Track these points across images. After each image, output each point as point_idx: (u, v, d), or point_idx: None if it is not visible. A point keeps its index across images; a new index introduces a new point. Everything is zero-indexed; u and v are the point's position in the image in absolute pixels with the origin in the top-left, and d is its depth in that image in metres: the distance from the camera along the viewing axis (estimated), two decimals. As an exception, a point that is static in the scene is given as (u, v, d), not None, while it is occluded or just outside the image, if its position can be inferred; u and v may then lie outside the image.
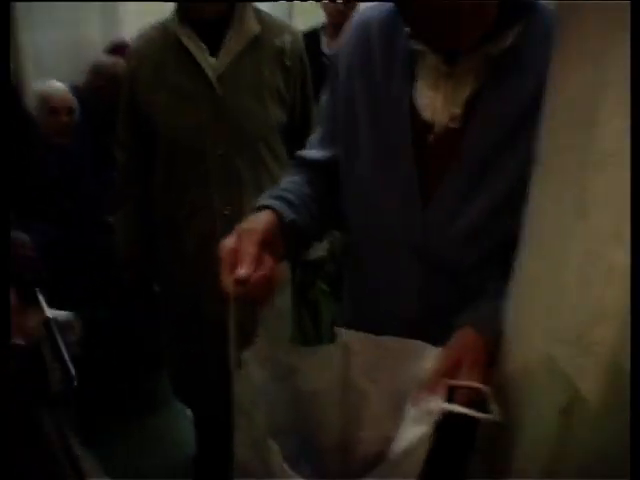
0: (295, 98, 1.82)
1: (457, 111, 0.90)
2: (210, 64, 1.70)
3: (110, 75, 2.88)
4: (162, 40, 1.75)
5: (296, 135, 1.79)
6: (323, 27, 2.92)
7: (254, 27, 1.74)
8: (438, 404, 0.73)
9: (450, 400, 0.74)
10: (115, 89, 2.68)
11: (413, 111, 0.94)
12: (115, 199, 1.99)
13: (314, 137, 1.16)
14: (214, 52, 1.71)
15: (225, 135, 1.71)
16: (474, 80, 0.89)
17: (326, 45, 2.87)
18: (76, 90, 2.90)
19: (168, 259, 1.91)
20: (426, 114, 0.93)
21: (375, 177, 0.99)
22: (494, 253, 0.90)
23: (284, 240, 0.94)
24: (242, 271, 0.82)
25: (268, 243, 0.89)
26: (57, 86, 2.68)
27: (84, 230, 2.58)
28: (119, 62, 2.91)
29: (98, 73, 2.94)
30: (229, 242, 0.87)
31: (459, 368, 0.77)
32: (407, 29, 0.92)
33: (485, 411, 0.72)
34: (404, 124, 0.94)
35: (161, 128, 1.75)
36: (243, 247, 0.86)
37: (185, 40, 1.70)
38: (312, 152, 1.14)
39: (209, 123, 1.70)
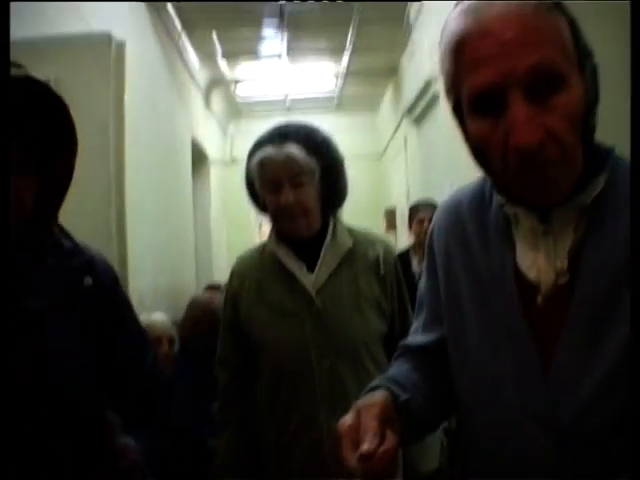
0: (393, 308, 1.84)
1: (562, 266, 0.88)
2: (308, 279, 1.77)
3: (206, 308, 3.05)
4: (261, 260, 1.86)
5: (396, 345, 1.77)
6: (412, 247, 3.04)
7: (347, 241, 1.82)
8: None
9: None
10: (211, 321, 2.82)
11: (517, 276, 0.92)
12: (218, 422, 1.96)
13: (415, 325, 1.14)
14: (311, 268, 1.79)
15: (329, 348, 1.73)
16: (573, 232, 0.88)
17: (416, 265, 2.96)
18: (174, 325, 3.05)
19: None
20: (531, 275, 0.91)
21: (487, 351, 0.95)
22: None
23: (400, 421, 0.89)
24: (366, 446, 0.78)
25: (387, 419, 0.85)
26: (160, 317, 2.84)
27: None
28: (215, 297, 3.10)
29: (195, 307, 3.11)
30: (348, 418, 0.84)
31: None
32: (498, 198, 0.94)
33: None
34: (510, 290, 0.92)
35: (264, 345, 1.78)
36: (364, 422, 0.82)
37: (283, 258, 1.79)
38: (416, 338, 1.11)
39: (312, 337, 1.73)
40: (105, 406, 1.14)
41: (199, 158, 6.88)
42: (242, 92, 7.63)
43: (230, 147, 8.47)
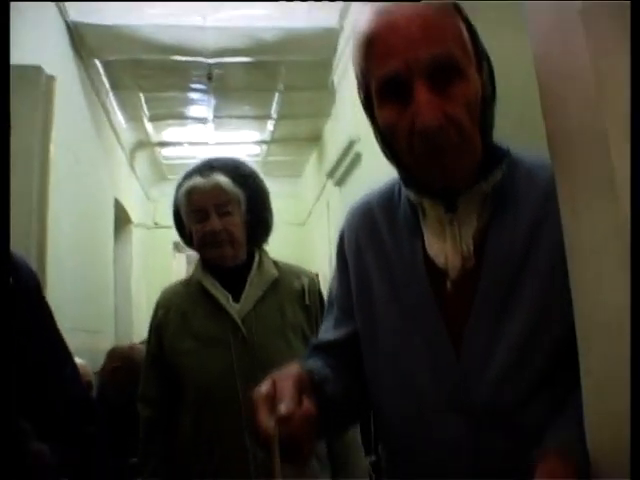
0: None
1: (467, 251, 0.94)
2: (234, 308, 1.78)
3: (126, 357, 2.97)
4: (187, 291, 1.87)
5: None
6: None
7: (273, 272, 1.86)
8: None
9: None
10: (131, 371, 2.76)
11: (427, 264, 0.97)
12: (139, 459, 1.90)
13: (324, 325, 1.16)
14: (237, 298, 1.81)
15: (254, 375, 1.69)
16: (477, 220, 0.95)
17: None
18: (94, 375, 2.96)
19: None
20: (439, 261, 0.96)
21: (400, 342, 0.98)
22: (544, 380, 0.88)
23: (317, 400, 0.89)
24: (284, 407, 0.78)
25: (304, 390, 0.85)
26: (79, 361, 2.72)
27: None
28: (136, 346, 3.03)
29: (114, 356, 3.03)
30: (264, 387, 0.84)
31: None
32: (407, 193, 1.01)
33: None
34: (421, 278, 0.97)
35: (189, 374, 1.76)
36: (280, 390, 0.82)
37: (209, 287, 1.81)
38: (326, 335, 1.13)
39: (237, 364, 1.73)
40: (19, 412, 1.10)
41: (122, 220, 6.80)
42: (167, 155, 7.65)
43: (153, 211, 8.42)
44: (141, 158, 7.40)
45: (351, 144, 4.50)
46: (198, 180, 1.82)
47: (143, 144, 7.05)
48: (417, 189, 0.98)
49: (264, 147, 7.46)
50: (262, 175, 1.95)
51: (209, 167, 1.85)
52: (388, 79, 0.88)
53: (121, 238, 6.89)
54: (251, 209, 1.87)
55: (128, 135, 6.64)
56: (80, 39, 4.44)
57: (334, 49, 4.90)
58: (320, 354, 1.10)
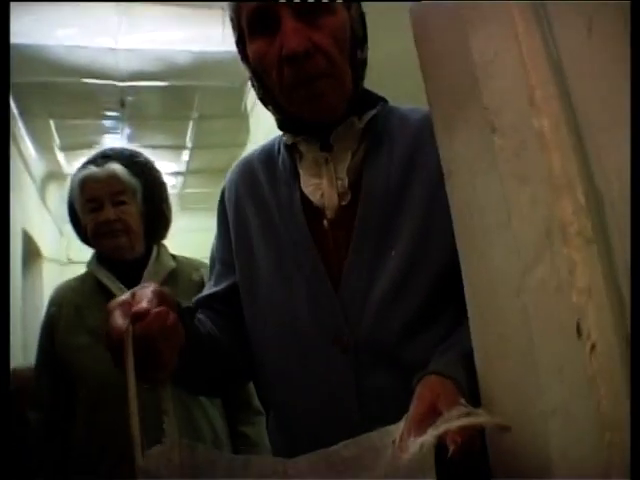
0: None
1: (342, 186, 0.96)
2: None
3: (26, 378, 2.83)
4: (82, 286, 1.80)
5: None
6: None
7: (170, 263, 1.82)
8: (430, 434, 0.59)
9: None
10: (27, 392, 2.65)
11: (304, 205, 0.98)
12: (32, 468, 1.78)
13: (208, 284, 1.13)
14: None
15: None
16: (351, 157, 0.98)
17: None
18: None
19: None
20: (316, 200, 0.97)
21: (280, 285, 0.98)
22: (426, 316, 0.89)
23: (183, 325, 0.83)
24: (140, 305, 0.73)
25: (167, 302, 0.78)
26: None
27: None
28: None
29: (14, 378, 2.87)
30: (120, 297, 0.78)
31: (436, 412, 0.64)
32: (284, 139, 1.03)
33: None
34: (298, 217, 0.98)
35: (82, 372, 1.68)
36: (138, 296, 0.76)
37: (104, 280, 1.74)
38: (207, 291, 1.11)
39: None
40: None
41: (32, 255, 6.56)
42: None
43: (67, 247, 8.16)
44: (53, 190, 7.20)
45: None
46: (92, 169, 1.77)
47: (54, 175, 6.88)
48: (292, 130, 1.00)
49: (180, 179, 7.41)
50: (158, 167, 1.94)
51: (103, 156, 1.81)
52: (257, 12, 0.90)
53: (30, 272, 6.63)
54: (147, 199, 1.82)
55: (38, 165, 6.47)
56: (-15, 59, 4.34)
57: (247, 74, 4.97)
58: (201, 309, 1.06)
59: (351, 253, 0.93)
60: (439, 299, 0.88)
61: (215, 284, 1.09)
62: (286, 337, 0.97)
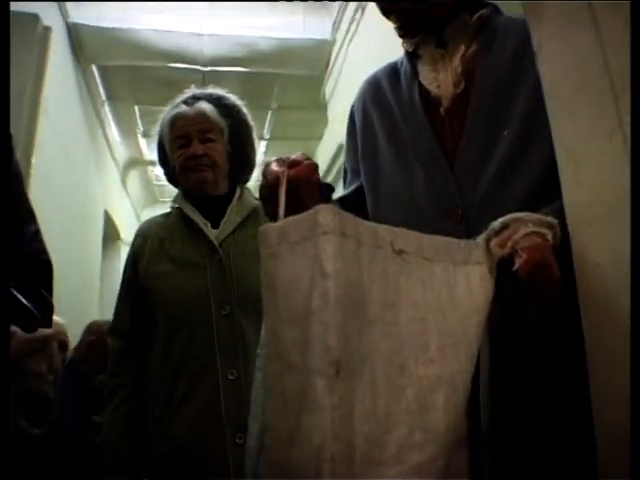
0: None
1: (456, 76, 1.03)
2: (212, 233, 1.78)
3: (103, 332, 2.93)
4: (166, 220, 1.88)
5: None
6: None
7: (254, 201, 1.86)
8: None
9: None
10: (105, 347, 2.75)
11: (422, 97, 1.06)
12: (106, 391, 1.86)
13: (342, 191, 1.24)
14: (216, 226, 1.81)
15: (229, 296, 1.71)
16: (465, 51, 1.04)
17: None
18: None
19: (160, 449, 1.70)
20: (433, 89, 1.05)
21: (402, 172, 1.06)
22: (534, 194, 0.93)
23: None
24: (296, 156, 0.91)
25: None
26: (56, 320, 2.70)
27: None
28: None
29: (91, 329, 3.00)
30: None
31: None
32: (405, 47, 1.10)
33: None
34: (417, 109, 1.06)
35: (163, 297, 1.74)
36: (292, 157, 0.92)
37: (189, 212, 1.81)
38: (339, 195, 1.21)
39: (212, 285, 1.71)
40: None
41: (111, 235, 6.81)
42: (160, 175, 7.67)
43: (143, 233, 8.42)
44: (134, 176, 7.46)
45: (341, 148, 4.57)
46: (182, 108, 1.85)
47: (136, 161, 7.11)
48: (408, 29, 1.08)
49: (256, 171, 7.50)
50: (246, 110, 1.98)
51: (194, 97, 1.89)
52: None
53: (109, 254, 6.87)
54: (233, 140, 1.88)
55: (121, 150, 6.71)
56: (79, 42, 4.54)
57: (327, 62, 5.03)
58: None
59: (465, 135, 1.00)
60: (547, 178, 0.90)
61: (345, 190, 1.22)
62: (407, 221, 1.02)
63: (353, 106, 1.24)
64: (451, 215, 0.98)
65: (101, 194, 5.99)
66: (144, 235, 1.86)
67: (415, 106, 1.07)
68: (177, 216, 1.85)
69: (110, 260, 6.90)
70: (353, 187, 1.19)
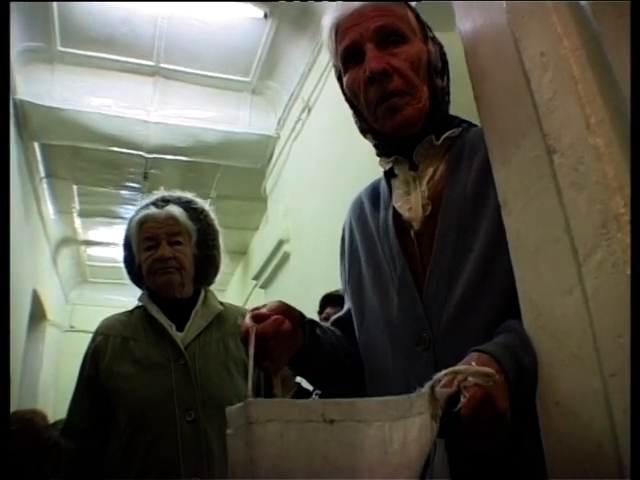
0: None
1: (424, 199, 1.08)
2: (178, 336, 1.77)
3: (26, 419, 2.83)
4: (129, 319, 1.85)
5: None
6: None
7: (218, 306, 1.88)
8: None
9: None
10: (29, 432, 2.68)
11: (396, 221, 1.11)
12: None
13: None
14: (181, 328, 1.80)
15: (194, 401, 1.69)
16: (433, 173, 1.10)
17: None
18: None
19: None
20: (405, 212, 1.09)
21: (379, 295, 1.10)
22: (502, 313, 0.95)
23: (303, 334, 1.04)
24: (262, 311, 0.97)
25: (290, 315, 0.99)
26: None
27: None
28: (37, 410, 2.94)
29: (12, 419, 2.87)
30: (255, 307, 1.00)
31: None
32: (384, 167, 1.16)
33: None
34: (390, 233, 1.10)
35: (125, 398, 1.70)
36: (268, 304, 0.99)
37: (154, 313, 1.80)
38: (336, 315, 1.27)
39: (177, 389, 1.69)
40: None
41: (37, 316, 6.58)
42: (92, 255, 7.57)
43: (70, 314, 8.19)
44: (65, 255, 7.30)
45: (280, 244, 4.66)
46: (152, 210, 1.87)
47: (69, 240, 6.98)
48: (385, 152, 1.15)
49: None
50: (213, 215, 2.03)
51: (163, 199, 1.93)
52: (347, 48, 1.09)
53: (34, 334, 6.62)
54: (201, 244, 1.92)
55: (55, 228, 6.60)
56: (24, 118, 4.54)
57: (269, 157, 5.18)
58: (335, 328, 1.24)
59: (432, 259, 1.03)
60: (514, 297, 0.93)
61: (343, 309, 1.26)
62: (384, 346, 1.08)
63: (343, 228, 1.29)
64: (421, 341, 1.00)
65: (32, 272, 5.84)
66: (106, 333, 1.82)
67: (389, 229, 1.10)
68: (141, 316, 1.83)
69: (34, 340, 6.65)
70: (346, 308, 1.22)
